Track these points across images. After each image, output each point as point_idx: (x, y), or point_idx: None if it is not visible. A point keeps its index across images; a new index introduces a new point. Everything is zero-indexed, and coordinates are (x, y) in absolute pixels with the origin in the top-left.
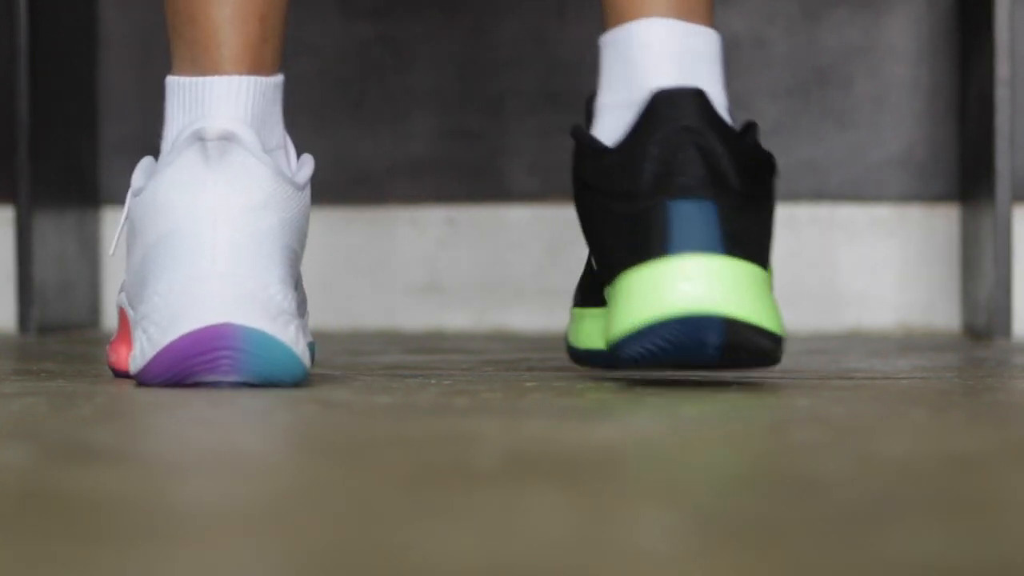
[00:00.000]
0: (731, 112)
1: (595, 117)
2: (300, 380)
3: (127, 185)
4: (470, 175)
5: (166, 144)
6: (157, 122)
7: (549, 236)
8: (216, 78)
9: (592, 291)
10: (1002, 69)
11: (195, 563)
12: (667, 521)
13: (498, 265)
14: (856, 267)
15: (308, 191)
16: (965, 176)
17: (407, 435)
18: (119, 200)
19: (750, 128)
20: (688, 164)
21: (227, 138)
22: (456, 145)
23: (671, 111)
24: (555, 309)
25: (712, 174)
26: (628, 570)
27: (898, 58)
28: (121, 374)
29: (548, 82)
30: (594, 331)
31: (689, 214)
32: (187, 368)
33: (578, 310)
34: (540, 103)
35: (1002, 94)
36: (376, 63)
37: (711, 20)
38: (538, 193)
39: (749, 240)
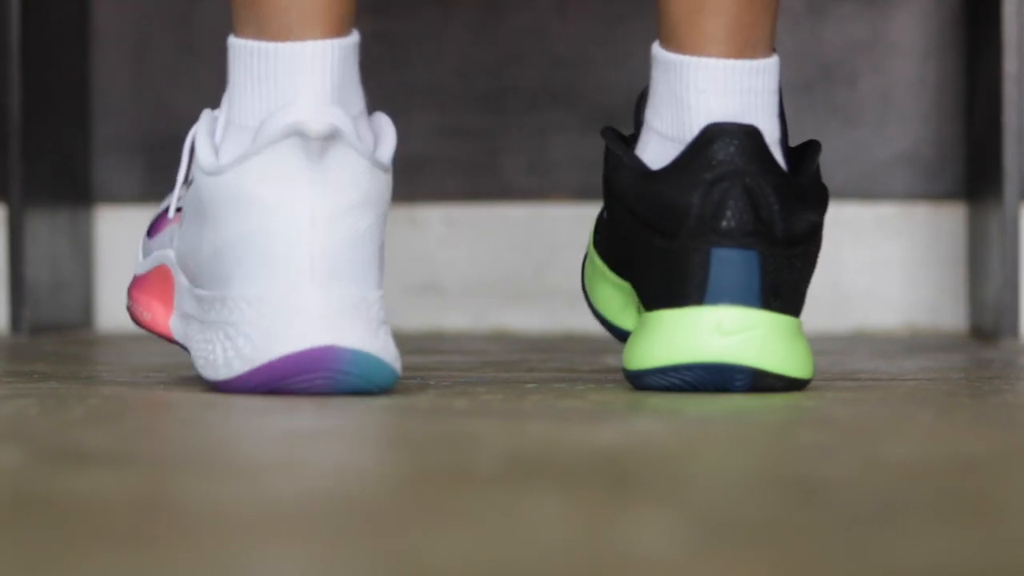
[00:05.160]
0: (786, 135)
1: (642, 132)
2: (390, 389)
3: (121, 183)
4: (469, 173)
5: (238, 114)
6: (151, 120)
7: (549, 235)
8: (289, 45)
9: (615, 255)
10: (1010, 65)
11: (190, 566)
12: (670, 524)
13: (498, 265)
14: (861, 266)
15: (391, 169)
16: (972, 174)
17: (406, 437)
18: (112, 199)
19: (809, 154)
20: (735, 209)
21: (331, 136)
22: (455, 143)
23: (722, 149)
24: (555, 309)
25: (758, 222)
26: (630, 573)
27: (904, 54)
28: (149, 331)
29: (549, 79)
30: (611, 301)
31: (730, 263)
32: (281, 387)
33: (601, 264)
34: (541, 100)
35: (1010, 91)
36: (374, 60)
37: (771, 46)
38: (538, 192)
39: (788, 291)
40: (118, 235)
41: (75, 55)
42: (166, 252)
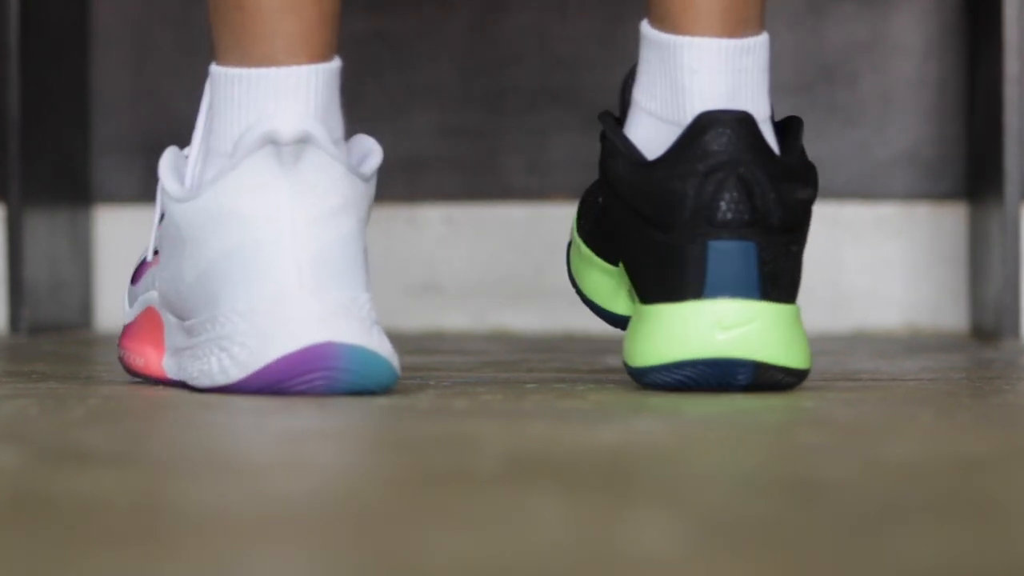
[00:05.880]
0: (773, 112)
1: (630, 112)
2: (390, 388)
3: (120, 183)
4: (469, 173)
5: (218, 141)
6: (151, 120)
7: (549, 235)
8: (273, 70)
9: (603, 241)
10: (1011, 66)
11: (190, 566)
12: (670, 524)
13: (498, 265)
14: (861, 266)
15: (374, 182)
16: (973, 174)
17: (406, 437)
18: (112, 199)
19: (794, 133)
20: (730, 200)
21: (303, 140)
22: (455, 143)
23: (716, 139)
24: (555, 309)
25: (754, 212)
26: (630, 573)
27: (905, 54)
28: (144, 377)
29: (549, 79)
30: (601, 286)
31: (728, 255)
32: (280, 390)
33: (587, 250)
34: (541, 100)
35: (1011, 91)
36: (374, 59)
37: (762, 24)
38: (538, 192)
39: (785, 280)
40: (117, 235)
41: (75, 55)
42: (150, 294)
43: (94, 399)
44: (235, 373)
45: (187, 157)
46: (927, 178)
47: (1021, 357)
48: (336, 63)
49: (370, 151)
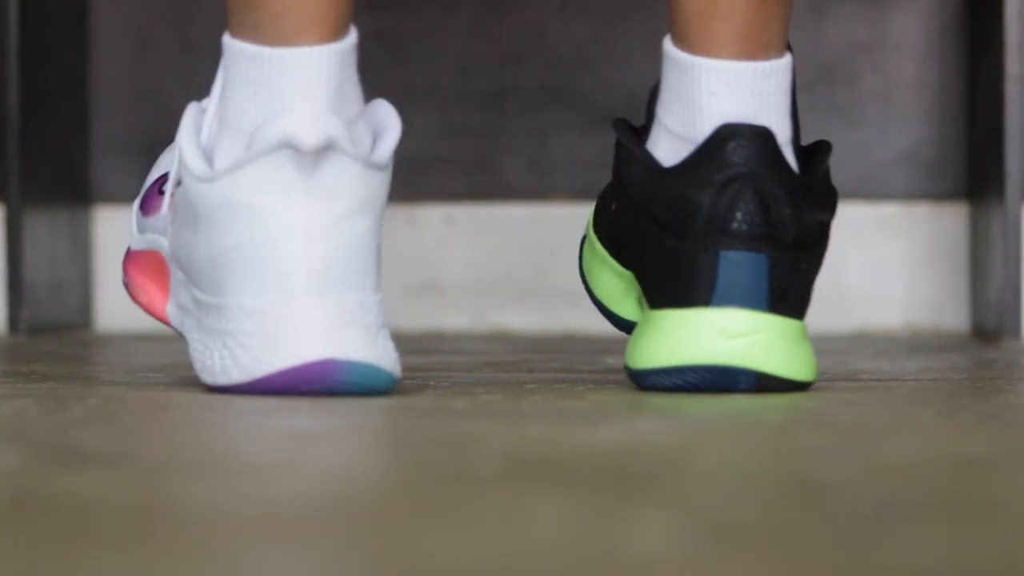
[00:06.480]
0: (798, 134)
1: (653, 127)
2: (389, 391)
3: (120, 183)
4: (469, 173)
5: (233, 116)
6: (151, 120)
7: (549, 235)
8: (286, 51)
9: (619, 243)
10: (1012, 65)
11: (190, 566)
12: (670, 524)
13: (498, 265)
14: (862, 266)
15: (391, 167)
16: (974, 174)
17: (406, 437)
18: (111, 199)
19: (819, 154)
20: (745, 212)
21: (325, 146)
22: (455, 142)
23: (735, 151)
24: (555, 309)
25: (768, 226)
26: (630, 573)
27: (905, 54)
28: (147, 313)
29: (549, 78)
30: (611, 288)
31: (738, 266)
32: (280, 393)
33: (602, 250)
34: (541, 100)
35: (1012, 91)
36: (373, 58)
37: (784, 45)
38: (538, 192)
39: (794, 295)
40: (117, 235)
41: (74, 54)
42: (161, 240)
43: (94, 399)
44: (236, 375)
45: (204, 111)
46: (927, 178)
47: (1022, 357)
48: (351, 39)
49: (387, 124)
